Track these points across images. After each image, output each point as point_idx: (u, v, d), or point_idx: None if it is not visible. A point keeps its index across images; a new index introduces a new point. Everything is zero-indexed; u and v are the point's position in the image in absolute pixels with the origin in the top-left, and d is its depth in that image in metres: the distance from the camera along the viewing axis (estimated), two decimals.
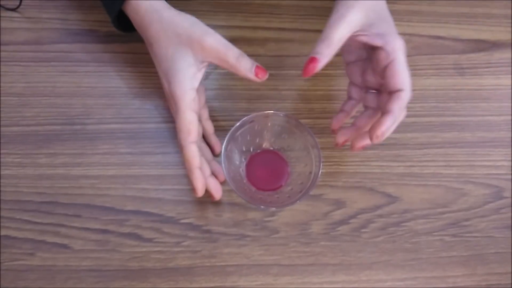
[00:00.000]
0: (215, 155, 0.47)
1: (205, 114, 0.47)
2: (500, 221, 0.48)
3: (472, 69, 0.55)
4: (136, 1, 0.42)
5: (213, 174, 0.45)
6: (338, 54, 0.53)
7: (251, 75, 0.40)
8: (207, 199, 0.46)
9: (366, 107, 0.44)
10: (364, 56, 0.44)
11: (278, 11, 0.55)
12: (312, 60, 0.39)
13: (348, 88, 0.46)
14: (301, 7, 0.56)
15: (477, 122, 0.52)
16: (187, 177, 0.45)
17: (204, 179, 0.41)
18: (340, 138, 0.44)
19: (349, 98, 0.46)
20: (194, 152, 0.40)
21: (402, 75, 0.39)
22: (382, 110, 0.40)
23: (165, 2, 0.43)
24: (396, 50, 0.39)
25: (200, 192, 0.41)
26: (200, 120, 0.45)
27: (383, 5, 0.42)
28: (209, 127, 0.47)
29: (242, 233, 0.45)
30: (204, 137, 0.47)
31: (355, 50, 0.44)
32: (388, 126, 0.38)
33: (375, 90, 0.44)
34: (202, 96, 0.46)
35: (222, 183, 0.45)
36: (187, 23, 0.41)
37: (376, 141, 0.39)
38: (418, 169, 0.49)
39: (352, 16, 0.39)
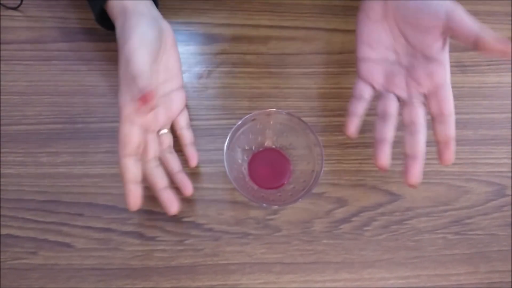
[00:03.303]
0: (190, 167, 0.45)
1: (182, 122, 0.45)
2: (502, 219, 0.48)
3: (474, 67, 0.54)
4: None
5: (179, 186, 0.43)
6: (340, 52, 0.54)
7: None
8: (210, 197, 0.46)
9: (382, 113, 0.43)
10: (393, 58, 0.44)
11: (280, 9, 0.55)
12: None
13: (359, 86, 0.44)
14: (303, 5, 0.56)
15: (479, 120, 0.52)
16: (196, 175, 0.46)
17: (139, 193, 0.38)
18: (384, 161, 0.43)
19: (359, 97, 0.44)
20: (126, 166, 0.38)
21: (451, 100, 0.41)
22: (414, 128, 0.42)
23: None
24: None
25: (132, 207, 0.38)
26: (175, 129, 0.45)
27: None
28: (187, 137, 0.45)
29: (244, 231, 0.45)
30: (181, 147, 0.45)
31: (384, 49, 0.44)
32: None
33: (397, 96, 0.44)
34: (177, 103, 0.45)
35: (189, 196, 0.43)
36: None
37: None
38: None
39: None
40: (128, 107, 0.38)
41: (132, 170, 0.38)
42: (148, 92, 0.36)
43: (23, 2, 0.51)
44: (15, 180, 0.45)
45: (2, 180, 0.45)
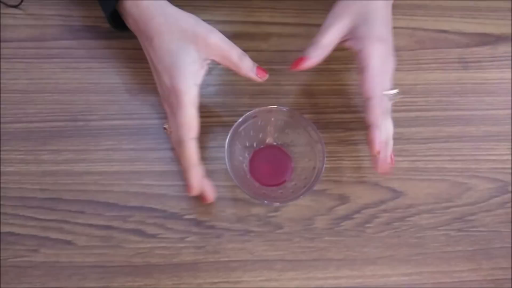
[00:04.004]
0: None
1: None
2: (505, 216, 0.47)
3: (477, 63, 0.54)
4: None
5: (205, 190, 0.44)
6: (341, 49, 0.53)
7: (252, 73, 0.42)
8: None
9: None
10: None
11: (281, 5, 0.55)
12: (301, 59, 0.43)
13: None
14: (304, 2, 0.55)
15: (481, 116, 0.51)
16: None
17: (202, 176, 0.41)
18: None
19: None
20: (194, 148, 0.40)
21: (371, 83, 0.41)
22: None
23: None
24: (370, 56, 0.41)
25: (195, 190, 0.41)
26: None
27: (376, 5, 0.43)
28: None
29: (246, 228, 0.45)
30: None
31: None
32: (375, 138, 0.40)
33: None
34: None
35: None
36: (192, 19, 0.42)
37: (382, 159, 0.41)
38: (423, 164, 0.49)
39: (339, 24, 0.42)
40: (192, 90, 0.40)
41: (197, 152, 0.40)
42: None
43: (24, 0, 0.51)
44: (16, 178, 0.45)
45: (3, 178, 0.45)
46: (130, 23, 0.44)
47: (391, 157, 0.44)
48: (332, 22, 0.43)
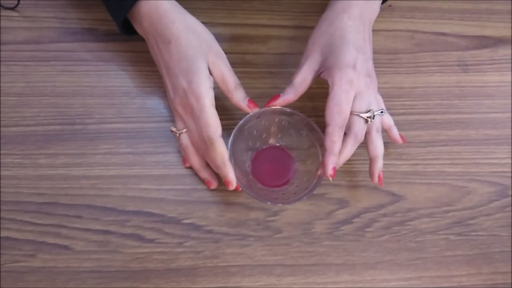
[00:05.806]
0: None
1: None
2: (505, 220, 0.47)
3: (476, 66, 0.54)
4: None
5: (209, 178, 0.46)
6: None
7: (243, 103, 0.44)
8: (209, 198, 0.45)
9: None
10: None
11: (280, 8, 0.55)
12: (276, 96, 0.44)
13: None
14: (303, 4, 0.55)
15: (481, 120, 0.51)
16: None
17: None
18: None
19: None
20: (224, 145, 0.42)
21: (329, 111, 0.42)
22: None
23: None
24: (333, 85, 0.42)
25: (234, 184, 0.42)
26: None
27: (344, 30, 0.44)
28: None
29: (244, 233, 0.45)
30: None
31: None
32: (328, 162, 0.41)
33: None
34: None
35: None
36: (208, 35, 0.45)
37: (332, 178, 0.42)
38: (422, 168, 0.49)
39: (309, 62, 0.45)
40: (211, 92, 0.42)
41: (226, 148, 0.42)
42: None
43: (21, 2, 0.51)
44: (13, 182, 0.45)
45: (0, 182, 0.45)
46: (144, 26, 0.44)
47: (379, 176, 0.44)
48: (303, 61, 0.45)
